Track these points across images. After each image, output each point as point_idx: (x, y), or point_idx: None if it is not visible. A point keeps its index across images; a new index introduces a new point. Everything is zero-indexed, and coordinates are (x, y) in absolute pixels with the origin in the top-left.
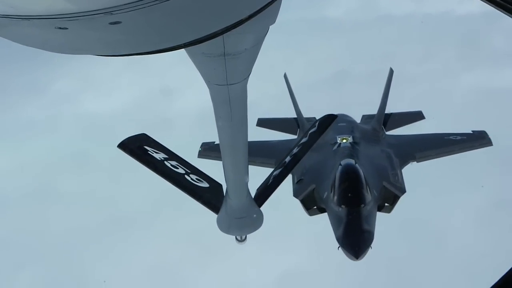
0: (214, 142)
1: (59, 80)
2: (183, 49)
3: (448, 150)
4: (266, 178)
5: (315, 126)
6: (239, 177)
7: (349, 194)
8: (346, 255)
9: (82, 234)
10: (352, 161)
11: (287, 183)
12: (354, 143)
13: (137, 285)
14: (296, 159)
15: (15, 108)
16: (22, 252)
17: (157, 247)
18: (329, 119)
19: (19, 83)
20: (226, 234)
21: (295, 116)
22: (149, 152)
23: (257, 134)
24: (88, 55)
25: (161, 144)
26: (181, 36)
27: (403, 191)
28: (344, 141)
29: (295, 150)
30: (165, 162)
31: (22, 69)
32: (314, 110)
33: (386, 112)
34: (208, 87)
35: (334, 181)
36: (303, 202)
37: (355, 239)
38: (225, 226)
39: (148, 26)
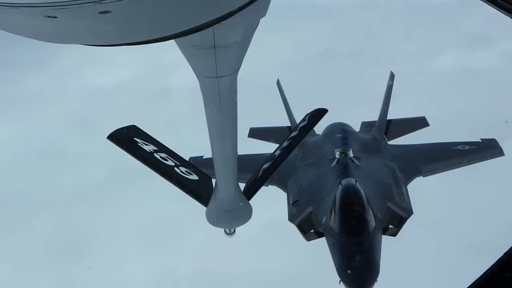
0: (203, 156)
1: (63, 56)
2: (173, 40)
3: (457, 162)
4: (256, 171)
5: (305, 120)
6: (228, 170)
7: (351, 221)
8: None
9: (89, 187)
10: (353, 181)
11: (284, 204)
12: (354, 158)
13: (138, 235)
14: (286, 152)
15: (24, 81)
16: (33, 204)
17: (157, 201)
18: (319, 113)
19: (27, 59)
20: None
21: (289, 124)
22: (138, 144)
23: (248, 145)
24: (78, 44)
25: (150, 136)
26: (171, 26)
27: (409, 212)
28: (343, 155)
29: (285, 144)
30: (155, 154)
31: (29, 46)
32: (302, 86)
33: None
34: (198, 79)
35: (334, 205)
36: (300, 225)
37: (358, 275)
38: (214, 219)
39: (138, 16)
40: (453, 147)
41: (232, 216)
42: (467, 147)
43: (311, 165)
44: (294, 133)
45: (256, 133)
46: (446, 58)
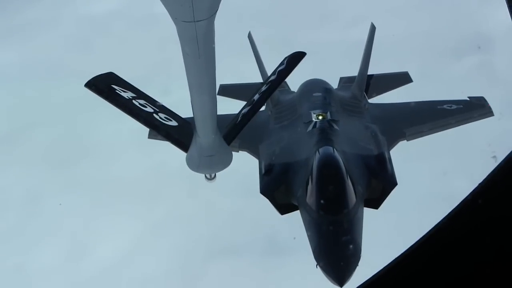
0: None
1: None
2: None
3: (443, 123)
4: (235, 116)
5: (283, 64)
6: (207, 115)
7: (329, 197)
8: (327, 278)
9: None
10: (331, 150)
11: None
12: (332, 121)
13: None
14: (264, 97)
15: (20, 10)
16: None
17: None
18: (297, 57)
19: None
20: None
21: (262, 81)
22: (116, 91)
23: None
24: None
25: (128, 83)
26: None
27: (393, 183)
28: (321, 117)
29: (263, 88)
30: (133, 101)
31: None
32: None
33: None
34: (175, 24)
35: (310, 177)
36: (272, 197)
37: (338, 261)
38: (195, 164)
39: None
40: (438, 106)
41: (212, 161)
42: (454, 107)
43: (285, 128)
44: (272, 77)
45: (227, 90)
46: None
